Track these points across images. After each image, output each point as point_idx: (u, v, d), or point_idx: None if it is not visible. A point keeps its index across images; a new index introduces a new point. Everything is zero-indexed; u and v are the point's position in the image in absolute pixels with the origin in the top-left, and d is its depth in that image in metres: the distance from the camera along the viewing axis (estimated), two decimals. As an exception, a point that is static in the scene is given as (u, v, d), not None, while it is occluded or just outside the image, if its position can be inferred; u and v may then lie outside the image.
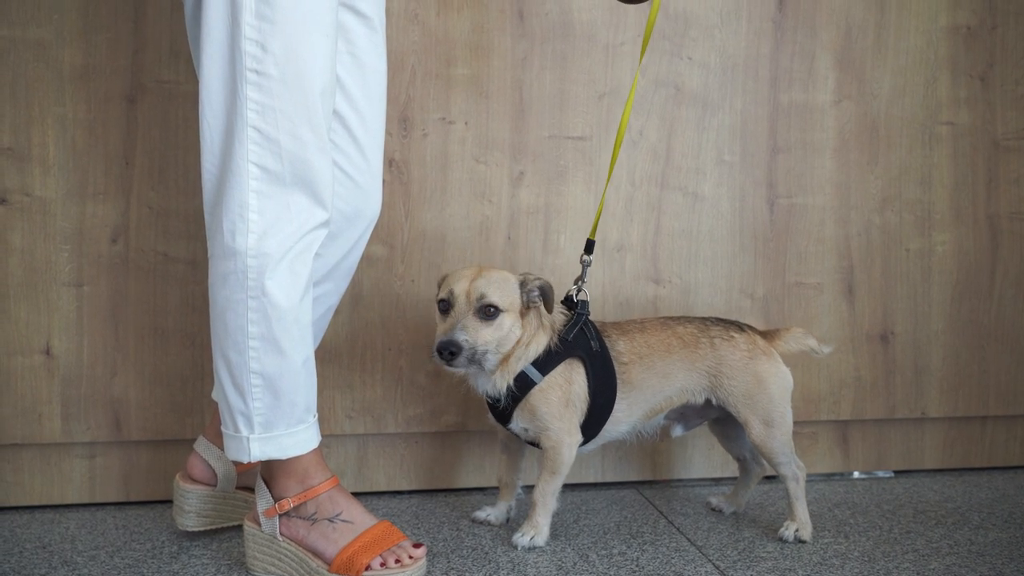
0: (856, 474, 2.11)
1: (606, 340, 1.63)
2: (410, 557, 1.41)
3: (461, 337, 1.50)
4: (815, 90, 2.00)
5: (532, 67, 1.87)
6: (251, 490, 1.51)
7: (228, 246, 1.32)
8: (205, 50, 1.30)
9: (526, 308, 1.57)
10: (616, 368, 1.62)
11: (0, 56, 1.67)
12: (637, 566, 1.55)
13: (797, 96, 1.99)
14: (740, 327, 1.70)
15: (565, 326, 1.61)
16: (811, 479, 2.06)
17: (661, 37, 1.92)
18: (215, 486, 1.60)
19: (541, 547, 1.61)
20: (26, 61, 1.68)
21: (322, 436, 1.46)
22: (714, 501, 1.85)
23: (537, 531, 1.61)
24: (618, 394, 1.62)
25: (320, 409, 1.83)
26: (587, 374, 1.59)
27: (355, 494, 1.49)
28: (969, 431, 2.15)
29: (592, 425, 1.62)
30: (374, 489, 1.90)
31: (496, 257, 1.88)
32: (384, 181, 1.82)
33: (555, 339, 1.59)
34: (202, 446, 1.61)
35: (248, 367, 1.35)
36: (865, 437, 2.11)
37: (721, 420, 1.77)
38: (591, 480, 2.00)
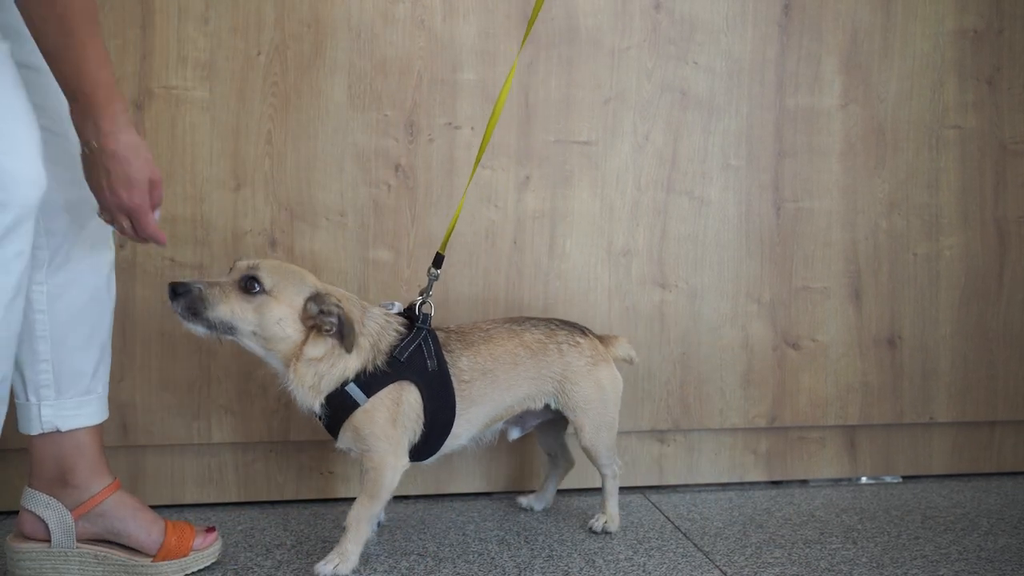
0: (864, 479, 2.10)
1: (448, 356, 1.54)
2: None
3: (197, 284, 1.36)
4: (821, 94, 1.99)
5: (538, 72, 1.88)
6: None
7: None
8: None
9: (313, 324, 1.43)
10: (456, 387, 1.54)
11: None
12: (644, 572, 1.55)
13: (803, 100, 1.99)
14: (583, 332, 1.70)
15: (400, 344, 1.50)
16: (818, 484, 2.06)
17: (667, 42, 1.92)
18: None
19: None
20: (34, 67, 1.69)
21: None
22: (523, 501, 1.86)
23: (343, 559, 1.47)
24: (457, 411, 1.55)
25: (326, 414, 1.83)
26: (422, 395, 1.50)
27: (361, 499, 1.48)
28: (978, 436, 2.14)
29: (431, 444, 1.55)
30: (380, 494, 1.90)
31: (502, 262, 1.88)
32: (390, 185, 1.83)
33: (381, 359, 1.47)
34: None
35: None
36: (873, 442, 2.10)
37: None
38: (597, 485, 1.99)
